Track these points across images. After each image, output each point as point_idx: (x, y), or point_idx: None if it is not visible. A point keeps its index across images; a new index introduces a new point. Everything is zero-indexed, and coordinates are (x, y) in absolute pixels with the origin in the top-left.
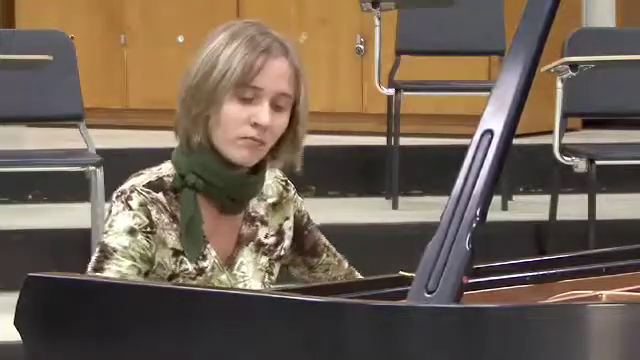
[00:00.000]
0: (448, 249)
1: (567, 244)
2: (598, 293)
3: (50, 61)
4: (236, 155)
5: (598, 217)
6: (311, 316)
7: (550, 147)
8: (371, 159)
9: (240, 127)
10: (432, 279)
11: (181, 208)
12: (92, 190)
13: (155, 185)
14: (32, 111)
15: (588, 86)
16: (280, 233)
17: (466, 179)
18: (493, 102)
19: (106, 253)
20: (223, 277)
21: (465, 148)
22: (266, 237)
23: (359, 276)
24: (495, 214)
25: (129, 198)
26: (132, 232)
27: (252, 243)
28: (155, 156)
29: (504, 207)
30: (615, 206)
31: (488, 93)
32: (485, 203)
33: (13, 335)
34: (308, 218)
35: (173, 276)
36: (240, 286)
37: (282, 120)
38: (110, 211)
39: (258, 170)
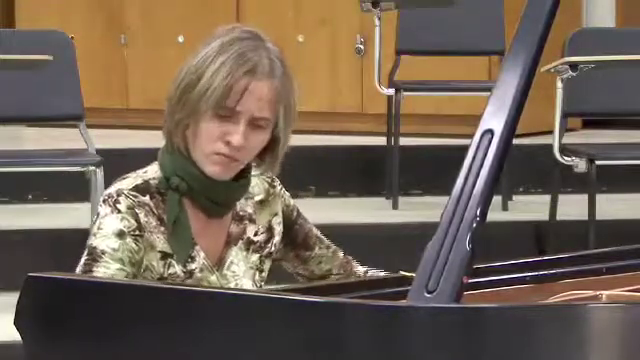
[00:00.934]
0: (448, 249)
1: (567, 244)
2: (598, 293)
3: (50, 61)
4: (208, 169)
5: (598, 217)
6: (311, 316)
7: (550, 147)
8: (371, 159)
9: (214, 143)
10: (432, 279)
11: (167, 209)
12: (92, 190)
13: (141, 188)
14: (32, 111)
15: (588, 86)
16: (270, 230)
17: (466, 179)
18: (493, 102)
19: (95, 256)
20: (213, 278)
21: (465, 148)
22: (255, 234)
23: (356, 265)
24: (495, 214)
25: (117, 202)
26: (121, 235)
27: (241, 242)
28: (155, 156)
29: (504, 207)
30: (615, 206)
31: (488, 93)
32: (485, 203)
33: (13, 335)
34: (297, 212)
35: (161, 279)
36: (231, 285)
37: (260, 138)
38: (98, 214)
39: (242, 176)
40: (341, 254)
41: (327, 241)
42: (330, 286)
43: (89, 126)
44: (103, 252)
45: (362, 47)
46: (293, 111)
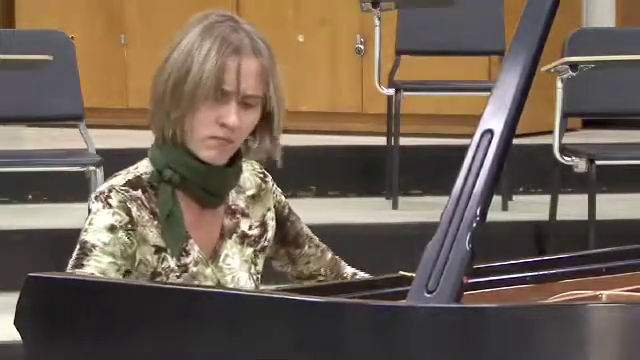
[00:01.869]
0: (448, 249)
1: (567, 244)
2: (598, 293)
3: (50, 61)
4: (205, 154)
5: (598, 217)
6: (311, 316)
7: (550, 147)
8: (371, 159)
9: (209, 127)
10: (432, 279)
11: (159, 202)
12: (92, 190)
13: (133, 183)
14: (32, 111)
15: (588, 86)
16: (264, 224)
17: (466, 179)
18: (493, 102)
19: (85, 250)
20: (208, 271)
21: (465, 148)
22: (250, 229)
23: (345, 267)
24: (495, 214)
25: (108, 197)
26: (112, 229)
27: (236, 235)
28: None
29: (504, 207)
30: (615, 206)
31: (488, 93)
32: (485, 203)
33: (13, 335)
34: (289, 209)
35: (155, 274)
36: (228, 279)
37: (251, 118)
38: (89, 211)
39: (234, 162)
40: (329, 254)
41: (317, 240)
42: (330, 286)
43: (89, 126)
44: (94, 246)
45: (362, 47)
46: (282, 87)
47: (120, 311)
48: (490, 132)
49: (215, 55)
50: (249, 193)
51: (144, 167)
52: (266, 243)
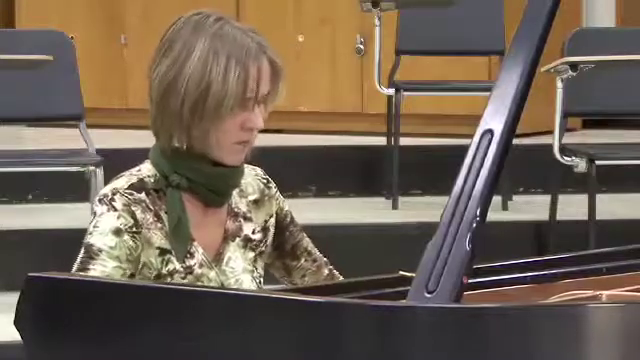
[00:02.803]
0: (448, 249)
1: (567, 244)
2: (598, 293)
3: (50, 61)
4: (230, 159)
5: (598, 217)
6: (311, 316)
7: (550, 147)
8: (371, 159)
9: (236, 134)
10: (432, 279)
11: (165, 208)
12: (92, 190)
13: (137, 186)
14: (32, 111)
15: (588, 86)
16: (265, 230)
17: (466, 179)
18: (493, 102)
19: (91, 254)
20: (212, 274)
21: (465, 148)
22: (253, 233)
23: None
24: (495, 214)
25: (112, 200)
26: (118, 232)
27: (239, 239)
28: None
29: (504, 207)
30: (615, 206)
31: (488, 93)
32: (485, 203)
33: (13, 335)
34: (291, 219)
35: (159, 276)
36: (231, 282)
37: (266, 112)
38: (94, 213)
39: None
40: (326, 271)
41: (316, 254)
42: (330, 286)
43: (89, 126)
44: (100, 250)
45: (362, 47)
46: (284, 74)
47: (120, 311)
48: (490, 132)
49: (235, 67)
50: (252, 198)
51: (147, 170)
52: (264, 248)
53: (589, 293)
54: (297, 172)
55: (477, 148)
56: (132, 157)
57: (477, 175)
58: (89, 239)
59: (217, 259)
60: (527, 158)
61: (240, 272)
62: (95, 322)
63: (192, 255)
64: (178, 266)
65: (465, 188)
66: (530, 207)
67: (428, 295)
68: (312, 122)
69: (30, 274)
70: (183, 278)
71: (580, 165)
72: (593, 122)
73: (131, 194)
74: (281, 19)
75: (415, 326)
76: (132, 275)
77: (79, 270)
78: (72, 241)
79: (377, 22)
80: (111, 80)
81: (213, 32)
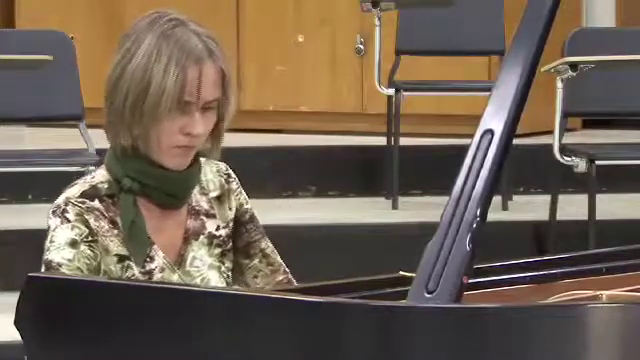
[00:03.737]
0: (448, 249)
1: (567, 244)
2: (598, 293)
3: (50, 61)
4: (169, 163)
5: (598, 217)
6: (311, 316)
7: (550, 147)
8: (371, 159)
9: (174, 137)
10: (432, 279)
11: (120, 213)
12: None
13: (89, 194)
14: (32, 111)
15: (588, 86)
16: (229, 225)
17: (466, 179)
18: (493, 102)
19: (52, 270)
20: (175, 277)
21: (465, 148)
22: (218, 229)
23: None
24: (495, 214)
25: (65, 211)
26: (74, 244)
27: (202, 236)
28: None
29: (504, 207)
30: (615, 206)
31: (488, 93)
32: (485, 203)
33: (13, 335)
34: (251, 217)
35: None
36: (197, 281)
37: (212, 120)
38: (49, 227)
39: (191, 165)
40: (281, 276)
41: (274, 259)
42: (330, 286)
43: (89, 126)
44: (59, 265)
45: (362, 47)
46: (234, 84)
47: (120, 311)
48: (490, 132)
49: (174, 68)
50: (213, 194)
51: (100, 176)
52: (232, 243)
53: (589, 293)
54: (297, 172)
55: (477, 148)
56: None
57: (477, 175)
58: (47, 255)
59: (179, 261)
60: (527, 158)
61: (206, 269)
62: (95, 322)
63: (152, 259)
64: (137, 272)
65: (465, 188)
66: (530, 207)
67: (428, 295)
68: (312, 122)
69: (30, 274)
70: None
71: (580, 165)
72: (593, 122)
73: (83, 202)
74: (281, 19)
75: (415, 326)
76: None
77: None
78: None
79: (377, 22)
80: None
81: (162, 31)
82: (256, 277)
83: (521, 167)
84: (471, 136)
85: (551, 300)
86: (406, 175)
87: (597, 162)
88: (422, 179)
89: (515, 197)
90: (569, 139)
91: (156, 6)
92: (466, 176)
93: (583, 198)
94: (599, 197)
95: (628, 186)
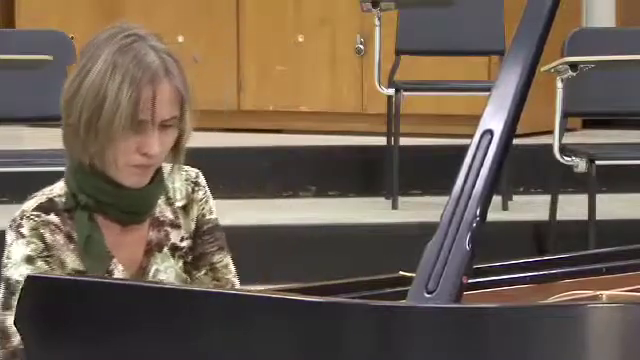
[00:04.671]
0: (448, 249)
1: (567, 244)
2: (598, 293)
3: (50, 61)
4: (126, 181)
5: (598, 217)
6: (311, 316)
7: (550, 147)
8: (371, 159)
9: (130, 156)
10: (432, 279)
11: (76, 228)
12: None
13: (45, 207)
14: (32, 111)
15: (588, 86)
16: (191, 236)
17: (466, 179)
18: (493, 102)
19: (11, 288)
20: None
21: (465, 148)
22: (182, 240)
23: None
24: (495, 214)
25: (20, 226)
26: (30, 260)
27: (166, 248)
28: None
29: (504, 207)
30: (615, 206)
31: (488, 93)
32: (485, 203)
33: None
34: (211, 229)
35: None
36: None
37: (170, 138)
38: (6, 242)
39: (152, 181)
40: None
41: (223, 276)
42: (330, 286)
43: None
44: (18, 282)
45: (362, 47)
46: (193, 100)
47: (120, 311)
48: (490, 132)
49: (128, 87)
50: (180, 204)
51: (59, 189)
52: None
53: (589, 293)
54: (297, 172)
55: (477, 148)
56: None
57: (477, 175)
58: (5, 272)
59: (141, 274)
60: (527, 158)
61: (172, 281)
62: (94, 322)
63: (111, 273)
64: None
65: (465, 188)
66: (530, 207)
67: (428, 295)
68: (312, 122)
69: (30, 274)
70: None
71: (580, 165)
72: (593, 122)
73: (38, 216)
74: (281, 19)
75: (415, 326)
76: None
77: (5, 308)
78: None
79: (377, 22)
80: None
81: (119, 46)
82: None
83: (521, 167)
84: (471, 136)
85: (551, 300)
86: (406, 175)
87: (597, 162)
88: (422, 179)
89: (515, 197)
90: (569, 139)
91: (155, 6)
92: (466, 176)
93: (583, 198)
94: (599, 197)
95: (628, 186)
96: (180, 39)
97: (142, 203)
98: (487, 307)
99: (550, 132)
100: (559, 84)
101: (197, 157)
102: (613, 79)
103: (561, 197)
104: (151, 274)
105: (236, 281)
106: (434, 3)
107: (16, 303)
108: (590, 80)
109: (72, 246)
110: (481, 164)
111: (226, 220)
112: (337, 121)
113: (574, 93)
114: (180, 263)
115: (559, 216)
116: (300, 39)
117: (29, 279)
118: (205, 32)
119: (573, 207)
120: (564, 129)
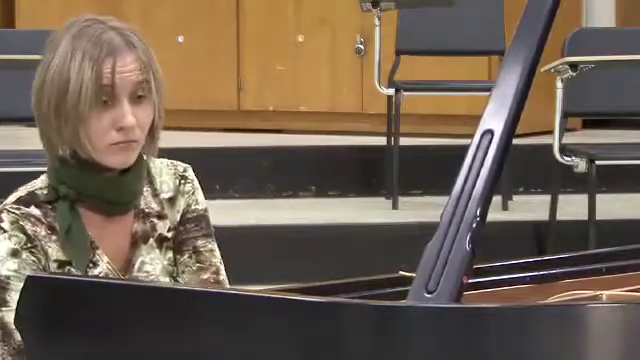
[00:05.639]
0: (448, 249)
1: (567, 244)
2: (598, 293)
3: None
4: (112, 162)
5: (598, 217)
6: (311, 316)
7: (550, 147)
8: (371, 159)
9: (107, 135)
10: (432, 279)
11: (58, 219)
12: None
13: (25, 200)
14: (32, 111)
15: (588, 86)
16: (176, 228)
17: (466, 179)
18: (493, 102)
19: (1, 284)
20: None
21: (465, 148)
22: (169, 231)
23: None
24: (495, 214)
25: (0, 220)
26: (15, 253)
27: (152, 239)
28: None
29: (504, 207)
30: (615, 206)
31: (488, 93)
32: (485, 203)
33: None
34: (197, 218)
35: None
36: None
37: (146, 112)
38: None
39: (129, 168)
40: (206, 275)
41: (206, 259)
42: (330, 286)
43: None
44: (8, 277)
45: (362, 47)
46: (162, 80)
47: (120, 311)
48: (490, 132)
49: (88, 63)
50: (166, 196)
51: (41, 182)
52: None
53: (589, 293)
54: (297, 172)
55: (477, 148)
56: None
57: (477, 175)
58: None
59: (126, 267)
60: (527, 158)
61: (158, 274)
62: (95, 322)
63: (95, 264)
64: None
65: (465, 188)
66: (530, 207)
67: (428, 295)
68: (312, 122)
69: (30, 274)
70: None
71: (580, 165)
72: (593, 122)
73: (18, 209)
74: (281, 19)
75: (415, 326)
76: None
77: None
78: None
79: (377, 22)
80: None
81: (77, 30)
82: (184, 272)
83: (521, 167)
84: (471, 136)
85: (551, 300)
86: (406, 175)
87: (597, 162)
88: (422, 179)
89: (515, 197)
90: (569, 139)
91: (155, 6)
92: (466, 176)
93: (583, 198)
94: (599, 197)
95: (628, 186)
96: (180, 39)
97: (122, 192)
98: (487, 307)
99: (550, 132)
100: (559, 84)
101: (197, 157)
102: (613, 79)
103: (561, 197)
104: (136, 266)
105: (221, 267)
106: (434, 3)
107: (16, 303)
108: (590, 80)
109: (54, 237)
110: (481, 164)
111: (226, 220)
112: (337, 121)
113: (574, 93)
114: (169, 254)
115: (559, 216)
116: (300, 39)
117: (29, 279)
118: (205, 32)
119: (573, 207)
120: (564, 129)
